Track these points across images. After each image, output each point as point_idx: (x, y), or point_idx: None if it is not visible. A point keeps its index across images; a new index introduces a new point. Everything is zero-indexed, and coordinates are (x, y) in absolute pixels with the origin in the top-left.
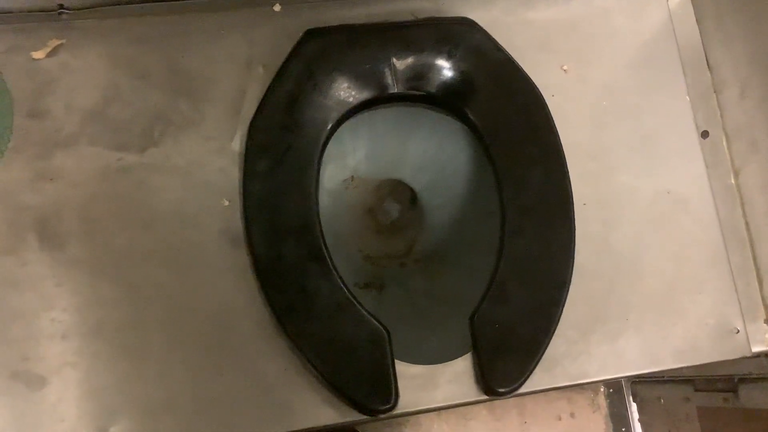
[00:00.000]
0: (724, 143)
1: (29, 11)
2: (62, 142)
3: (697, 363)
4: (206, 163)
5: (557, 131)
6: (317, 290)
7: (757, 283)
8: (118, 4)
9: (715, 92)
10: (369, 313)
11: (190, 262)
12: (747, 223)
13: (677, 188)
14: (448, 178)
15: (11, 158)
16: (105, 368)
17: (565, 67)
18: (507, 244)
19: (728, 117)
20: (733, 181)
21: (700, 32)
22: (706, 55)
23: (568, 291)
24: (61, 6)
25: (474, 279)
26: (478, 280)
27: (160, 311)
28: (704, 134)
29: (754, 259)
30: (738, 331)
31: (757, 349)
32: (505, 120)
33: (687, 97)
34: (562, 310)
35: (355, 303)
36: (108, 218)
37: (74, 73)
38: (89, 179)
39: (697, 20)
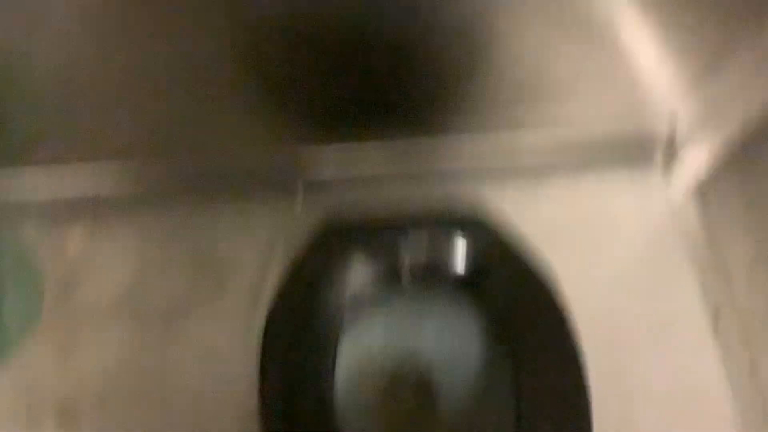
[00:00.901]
0: (735, 327)
1: (64, 201)
2: (87, 321)
3: None
4: (225, 344)
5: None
6: None
7: None
8: (147, 195)
9: (723, 277)
10: None
11: None
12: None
13: (691, 380)
14: (464, 365)
15: (37, 338)
16: None
17: (572, 257)
18: None
19: (738, 299)
20: (749, 369)
21: (705, 219)
22: (710, 240)
23: None
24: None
25: None
26: None
27: None
28: (715, 316)
29: None
30: None
31: None
32: (520, 309)
33: (696, 281)
34: None
35: None
36: (126, 394)
37: (103, 257)
38: (111, 357)
39: (701, 208)
